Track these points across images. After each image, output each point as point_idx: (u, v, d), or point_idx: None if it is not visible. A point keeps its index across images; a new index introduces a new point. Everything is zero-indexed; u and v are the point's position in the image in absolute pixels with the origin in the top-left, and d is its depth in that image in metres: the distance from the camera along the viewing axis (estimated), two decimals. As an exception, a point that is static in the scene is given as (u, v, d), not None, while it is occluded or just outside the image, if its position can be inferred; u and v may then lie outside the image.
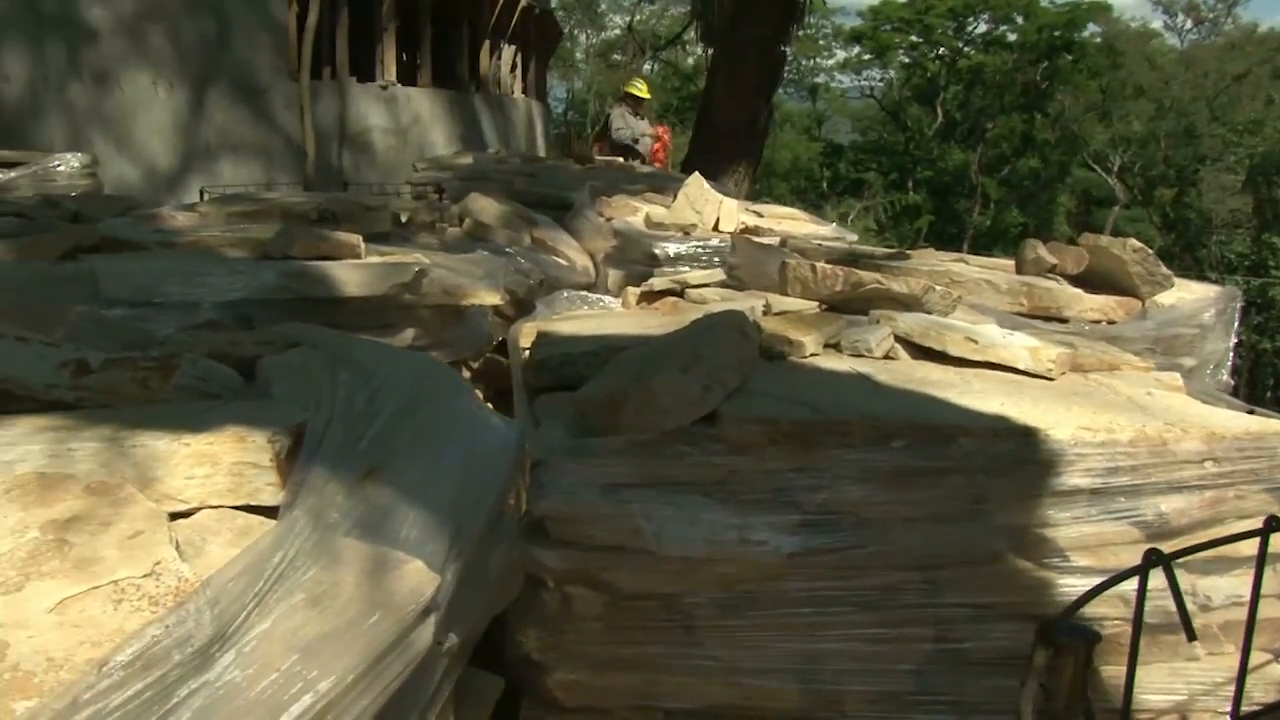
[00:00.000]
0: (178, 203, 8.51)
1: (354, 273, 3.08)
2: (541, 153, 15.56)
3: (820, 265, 2.78)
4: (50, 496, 0.98)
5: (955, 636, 1.94)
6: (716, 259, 4.69)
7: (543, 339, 2.39)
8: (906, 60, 37.74)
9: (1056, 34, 32.19)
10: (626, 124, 11.63)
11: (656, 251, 4.84)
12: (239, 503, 1.10)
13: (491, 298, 3.35)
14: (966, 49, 35.59)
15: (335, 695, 0.86)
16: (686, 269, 4.74)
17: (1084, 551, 1.90)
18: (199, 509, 1.08)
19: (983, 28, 35.67)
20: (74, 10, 10.78)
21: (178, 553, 0.96)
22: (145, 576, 0.88)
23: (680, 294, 3.10)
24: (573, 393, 2.04)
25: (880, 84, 40.10)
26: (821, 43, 38.04)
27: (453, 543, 1.12)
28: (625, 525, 1.74)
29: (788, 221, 5.91)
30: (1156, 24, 43.23)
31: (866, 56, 38.36)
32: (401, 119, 12.71)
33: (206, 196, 9.57)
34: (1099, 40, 33.58)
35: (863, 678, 1.92)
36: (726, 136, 12.36)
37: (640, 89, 11.97)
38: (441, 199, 7.65)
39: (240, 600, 0.87)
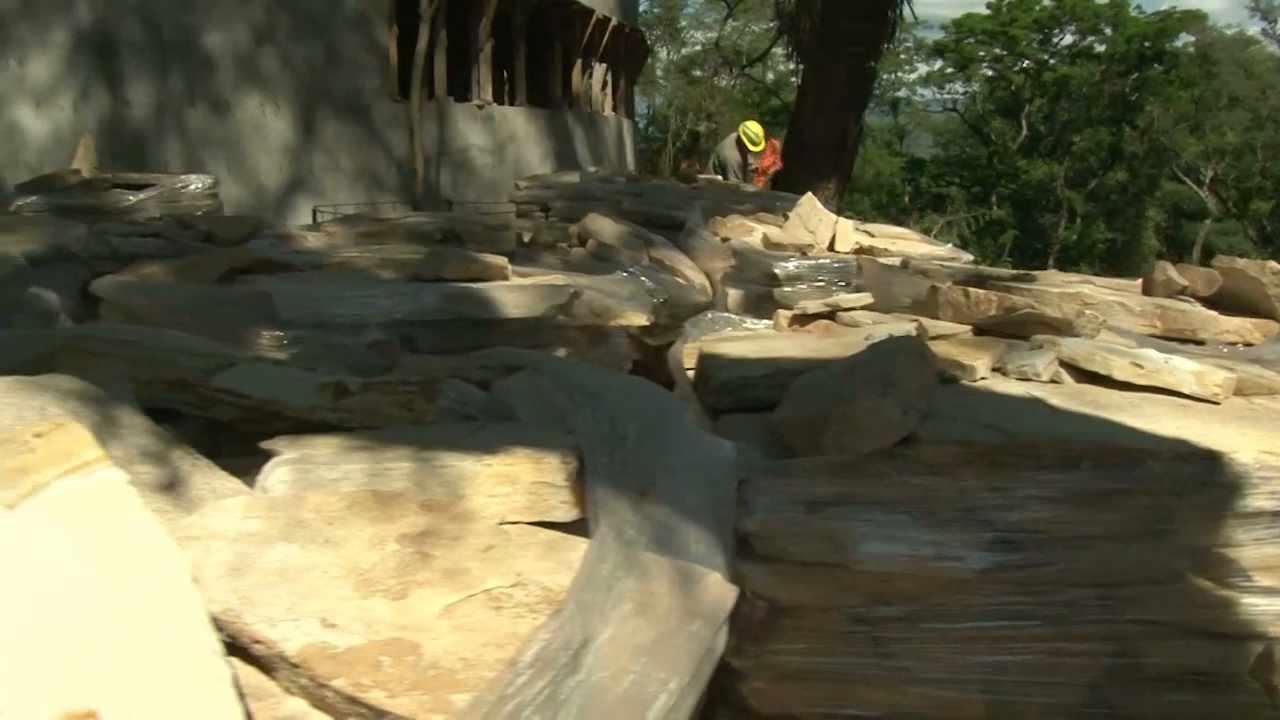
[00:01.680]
0: (287, 222, 8.79)
1: (513, 295, 3.21)
2: (631, 169, 15.73)
3: (973, 290, 2.85)
4: (391, 513, 1.10)
5: (1135, 652, 2.00)
6: (837, 279, 4.75)
7: (713, 361, 2.48)
8: (990, 73, 37.36)
9: (1147, 44, 31.67)
10: (734, 166, 11.63)
11: (776, 271, 4.91)
12: (535, 519, 1.21)
13: (639, 319, 3.47)
14: (1052, 61, 35.14)
15: (680, 694, 0.96)
16: (805, 288, 4.81)
17: (1267, 572, 1.94)
18: (500, 525, 1.18)
19: (1069, 39, 35.23)
20: (193, 38, 11.18)
21: (495, 563, 1.07)
22: (513, 586, 0.99)
23: (832, 317, 3.18)
24: (755, 414, 2.14)
25: (963, 97, 39.77)
26: (903, 57, 37.83)
27: (727, 555, 1.22)
28: (826, 541, 1.83)
29: (900, 241, 5.95)
30: (1254, 30, 42.21)
31: (949, 70, 38.08)
32: (498, 137, 12.95)
33: (320, 216, 9.85)
34: (1191, 49, 32.94)
35: (1044, 691, 1.98)
36: (817, 153, 12.37)
37: (753, 141, 11.96)
38: (547, 217, 7.81)
39: (590, 608, 0.97)
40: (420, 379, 1.58)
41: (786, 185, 10.75)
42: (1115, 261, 28.51)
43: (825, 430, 1.89)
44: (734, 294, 5.23)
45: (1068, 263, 27.71)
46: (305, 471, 1.18)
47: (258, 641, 0.88)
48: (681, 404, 1.65)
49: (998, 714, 1.99)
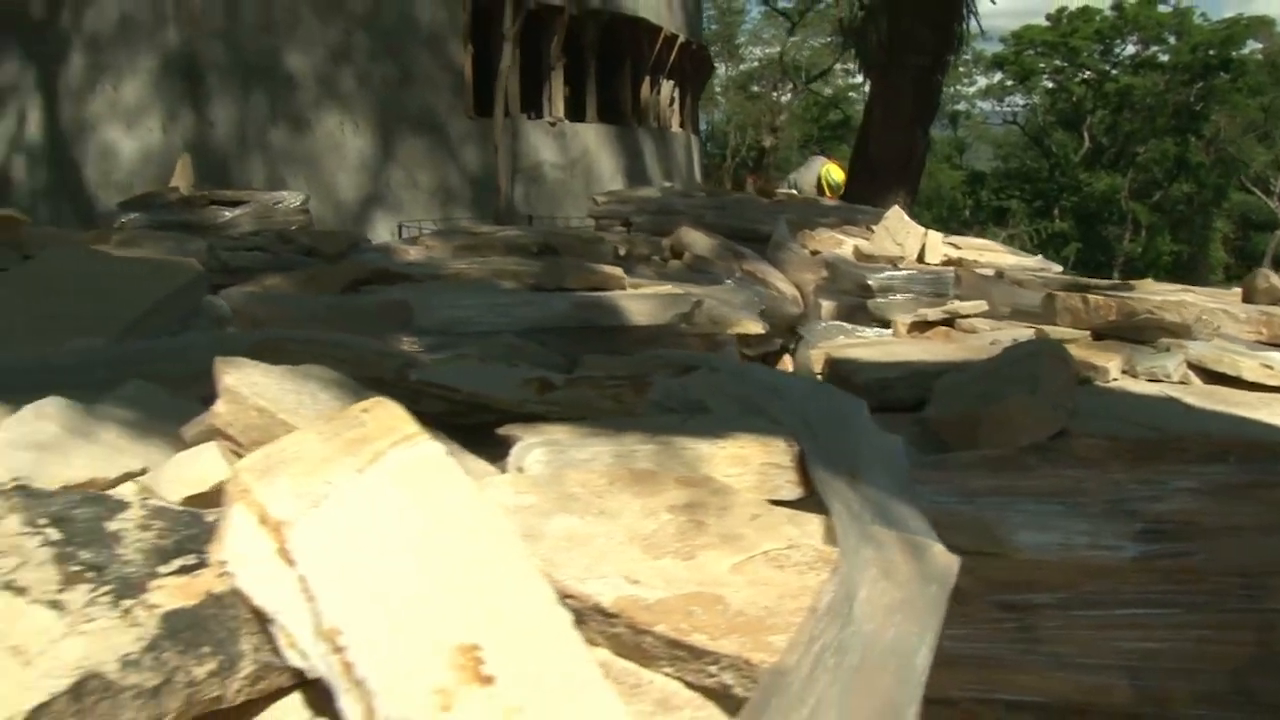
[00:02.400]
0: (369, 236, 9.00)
1: (638, 303, 3.35)
2: (699, 184, 15.87)
3: (1092, 296, 2.94)
4: (652, 488, 1.22)
5: (1276, 640, 2.07)
6: (930, 290, 4.83)
7: (848, 365, 2.59)
8: (1051, 85, 37.10)
9: (1212, 53, 31.29)
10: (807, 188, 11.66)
11: (870, 282, 4.99)
12: (763, 497, 1.32)
13: (755, 327, 3.58)
14: (1114, 71, 34.81)
15: (931, 649, 1.07)
16: (898, 299, 4.90)
17: None
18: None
19: (1131, 49, 34.88)
20: (276, 60, 11.48)
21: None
22: (788, 549, 1.11)
23: (950, 324, 3.28)
24: (895, 414, 2.25)
25: (1023, 109, 39.51)
26: (962, 70, 37.68)
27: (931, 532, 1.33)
28: (982, 530, 1.93)
29: (988, 253, 6.01)
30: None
31: (1009, 83, 37.88)
32: (570, 153, 13.15)
33: (406, 231, 10.07)
34: (1260, 56, 32.48)
35: (1188, 678, 2.05)
36: (884, 167, 12.37)
37: (833, 189, 11.99)
38: (629, 231, 7.93)
39: (851, 570, 1.09)
40: (629, 374, 1.71)
41: (855, 198, 10.80)
42: (1182, 274, 28.13)
43: (978, 426, 1.99)
44: (827, 305, 5.32)
45: (1133, 275, 27.36)
46: (559, 453, 1.30)
47: (570, 596, 1.00)
48: (859, 400, 1.76)
49: (1144, 700, 2.07)
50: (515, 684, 0.83)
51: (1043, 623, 2.06)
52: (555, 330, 3.27)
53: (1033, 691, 2.10)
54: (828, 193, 12.02)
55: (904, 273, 5.09)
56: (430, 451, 1.03)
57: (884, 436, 1.73)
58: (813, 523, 1.23)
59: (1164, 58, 33.60)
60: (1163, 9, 32.76)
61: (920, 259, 5.59)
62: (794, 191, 10.36)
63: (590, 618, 0.99)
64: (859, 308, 4.85)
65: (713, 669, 0.94)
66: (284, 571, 0.87)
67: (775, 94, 34.85)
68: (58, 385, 1.63)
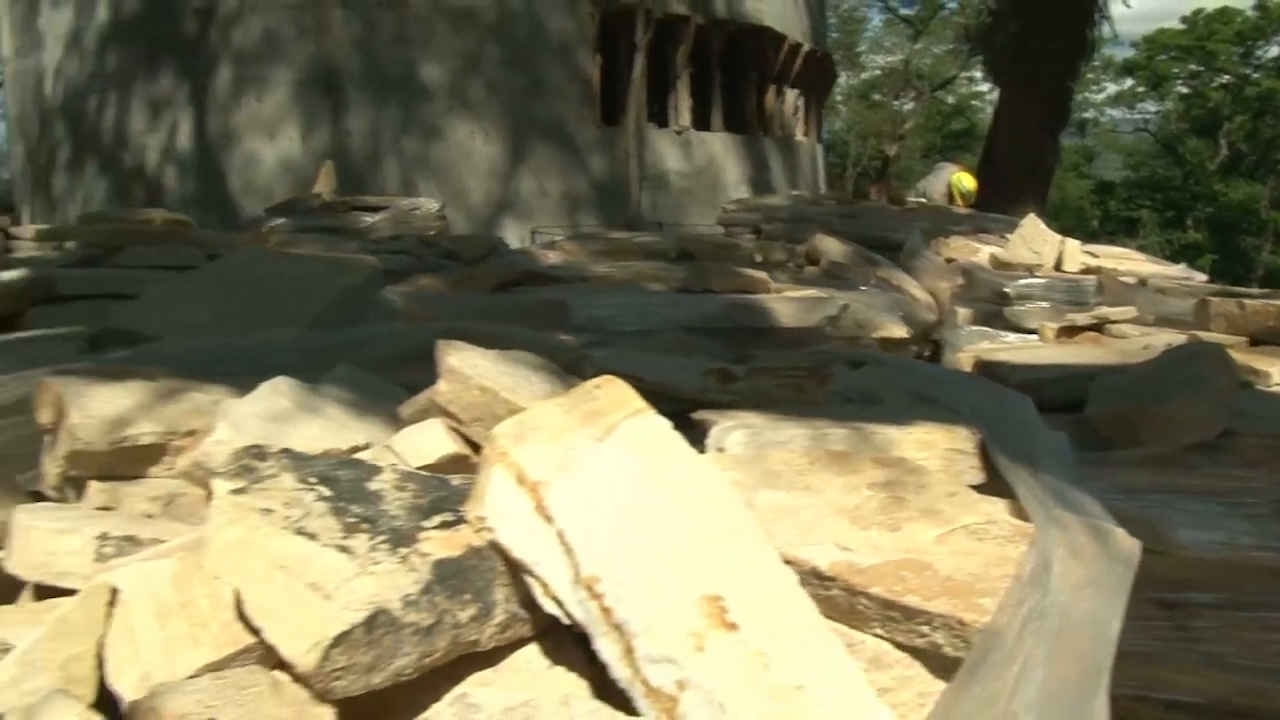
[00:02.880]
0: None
1: (787, 306, 3.42)
2: (823, 192, 15.83)
3: (1248, 301, 2.92)
4: (851, 467, 1.29)
5: None
6: (1068, 297, 4.78)
7: (1000, 367, 2.61)
8: (1185, 90, 35.94)
9: (1362, 55, 30.01)
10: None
11: (1008, 290, 4.96)
12: (949, 479, 1.39)
13: (899, 331, 3.63)
14: (1255, 75, 33.56)
15: (1121, 624, 1.13)
16: (1036, 306, 4.86)
17: None
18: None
19: (1275, 51, 33.58)
20: (411, 71, 11.81)
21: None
22: (987, 524, 1.17)
23: (1099, 329, 3.28)
24: (1050, 412, 2.28)
25: (1155, 116, 38.38)
26: (1090, 76, 36.78)
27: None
28: (1145, 526, 1.95)
29: (1127, 261, 5.92)
30: None
31: (1140, 89, 36.84)
32: (696, 162, 13.24)
33: (538, 238, 10.28)
34: None
35: (1355, 682, 2.04)
36: (1013, 176, 12.15)
37: (965, 197, 11.81)
38: (759, 238, 7.98)
39: (1045, 545, 1.15)
40: (810, 364, 1.78)
41: (983, 208, 10.66)
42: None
43: (1142, 425, 2.02)
44: (964, 312, 5.30)
45: (1274, 287, 26.41)
46: (756, 435, 1.38)
47: (788, 561, 1.08)
48: (1024, 396, 1.80)
49: (1309, 705, 2.07)
50: (756, 631, 0.91)
51: (1203, 622, 2.07)
52: (704, 330, 3.35)
53: (1191, 691, 2.11)
54: (959, 201, 11.87)
55: (1042, 280, 5.05)
56: (658, 424, 1.13)
57: (1050, 431, 1.78)
58: (1000, 504, 1.29)
59: (1313, 60, 32.33)
60: (1312, 7, 31.54)
61: (1057, 267, 5.54)
62: (923, 200, 10.29)
63: (806, 581, 1.07)
64: (995, 315, 4.83)
65: (924, 629, 1.01)
66: (542, 526, 0.97)
67: (897, 102, 34.49)
68: (269, 368, 1.77)
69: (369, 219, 8.11)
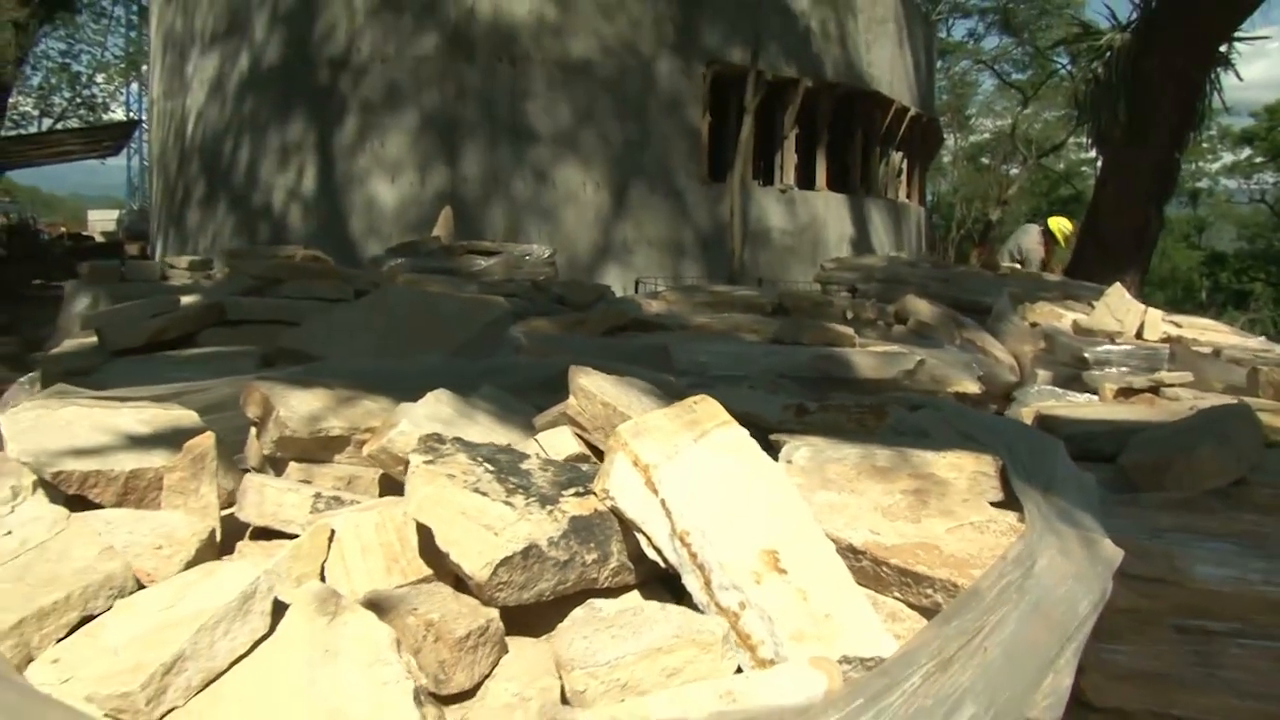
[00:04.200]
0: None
1: (868, 359, 3.75)
2: (925, 254, 16.04)
3: (1293, 371, 3.17)
4: (890, 477, 1.64)
5: None
6: (1145, 365, 5.02)
7: (1054, 420, 2.92)
8: (1306, 160, 35.32)
9: None
10: (1034, 258, 11.67)
11: (1087, 355, 5.21)
12: (973, 496, 1.72)
13: (972, 387, 3.92)
14: (1377, 149, 32.91)
15: (1094, 608, 1.45)
16: (1114, 371, 5.10)
17: None
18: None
19: (1396, 125, 32.91)
20: (522, 118, 12.37)
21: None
22: (989, 522, 1.51)
23: (1155, 391, 3.55)
24: (1096, 462, 2.57)
25: (1273, 187, 37.68)
26: (1205, 145, 36.30)
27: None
28: (1165, 560, 2.24)
29: (1210, 332, 6.10)
30: None
31: (1258, 159, 36.25)
32: (799, 220, 13.59)
33: (642, 287, 10.70)
34: None
35: (1358, 712, 2.30)
36: (1116, 244, 12.18)
37: (1059, 229, 12.03)
38: (854, 296, 8.28)
39: (1035, 541, 1.47)
40: (871, 403, 2.13)
41: (1084, 275, 10.77)
42: None
43: (1169, 471, 2.32)
44: (1044, 374, 5.56)
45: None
46: (818, 452, 1.73)
47: (833, 539, 1.42)
48: (1056, 439, 2.11)
49: (1311, 729, 2.32)
50: (800, 576, 1.26)
51: (1217, 648, 2.35)
52: (792, 377, 3.69)
53: (1204, 712, 2.38)
54: (1062, 242, 11.97)
55: (1121, 347, 5.29)
56: (740, 433, 1.49)
57: (1077, 469, 2.09)
58: (1009, 514, 1.62)
59: None
60: None
61: (1139, 335, 5.75)
62: (1016, 265, 10.48)
63: (844, 554, 1.42)
64: (1074, 378, 5.09)
65: (929, 591, 1.35)
66: (650, 497, 1.34)
67: (1004, 167, 34.46)
68: (424, 386, 2.18)
69: (483, 263, 8.56)
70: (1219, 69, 13.31)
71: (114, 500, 1.67)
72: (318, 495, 1.60)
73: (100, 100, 37.54)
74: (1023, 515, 1.62)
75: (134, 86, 36.95)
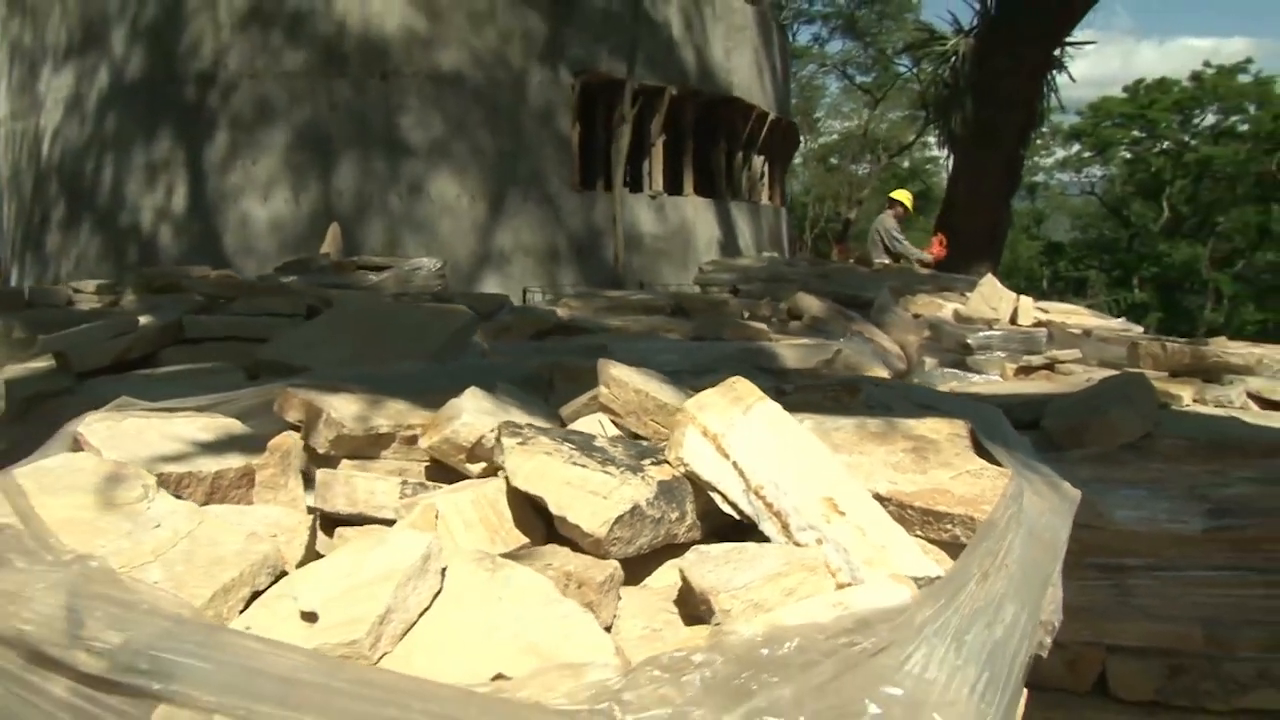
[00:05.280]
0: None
1: (792, 350, 4.08)
2: (787, 254, 16.62)
3: (1169, 344, 3.61)
4: (888, 439, 1.94)
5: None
6: (1023, 348, 5.47)
7: (985, 399, 3.28)
8: (1129, 156, 37.39)
9: (1295, 121, 31.45)
10: (902, 238, 12.33)
11: (970, 341, 5.65)
12: (962, 450, 2.03)
13: (882, 373, 4.29)
14: (1193, 142, 35.06)
15: (1065, 540, 1.77)
16: (995, 355, 5.55)
17: None
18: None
19: (1211, 119, 35.12)
20: (395, 132, 12.45)
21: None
22: (981, 469, 1.82)
23: (1051, 368, 3.96)
24: (1016, 429, 2.94)
25: (1101, 180, 39.83)
26: (1040, 142, 38.13)
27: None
28: (1090, 509, 2.60)
29: (1075, 316, 6.65)
30: None
31: (1087, 154, 38.28)
32: (669, 224, 13.97)
33: (530, 296, 10.90)
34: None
35: (1253, 629, 2.70)
36: (970, 240, 12.78)
37: (908, 200, 12.75)
38: (737, 296, 8.65)
39: (1019, 483, 1.79)
40: (844, 382, 2.43)
41: (941, 268, 11.37)
42: (1268, 344, 28.13)
43: (1086, 432, 2.69)
44: (930, 361, 5.99)
45: (1214, 344, 27.37)
46: (820, 423, 2.02)
47: (858, 490, 1.71)
48: (996, 408, 2.45)
49: (1214, 646, 2.72)
50: (856, 517, 1.54)
51: (1135, 581, 2.73)
52: (725, 370, 3.98)
53: (1128, 637, 2.76)
54: (907, 204, 12.56)
55: (999, 333, 5.75)
56: (774, 406, 1.76)
57: (1015, 432, 2.43)
58: (989, 465, 1.93)
59: (1244, 127, 33.77)
60: (1243, 79, 33.04)
61: (1013, 321, 6.23)
62: (887, 260, 11.03)
63: (871, 503, 1.71)
64: (958, 363, 5.53)
65: (949, 526, 1.65)
66: (721, 460, 1.60)
67: (854, 166, 35.65)
68: (432, 388, 2.39)
69: (374, 278, 8.65)
70: (1054, 70, 14.10)
71: (203, 499, 1.85)
72: (405, 482, 1.82)
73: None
74: (995, 466, 1.94)
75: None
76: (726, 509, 1.60)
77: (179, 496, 1.83)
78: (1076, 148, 38.11)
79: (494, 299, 7.34)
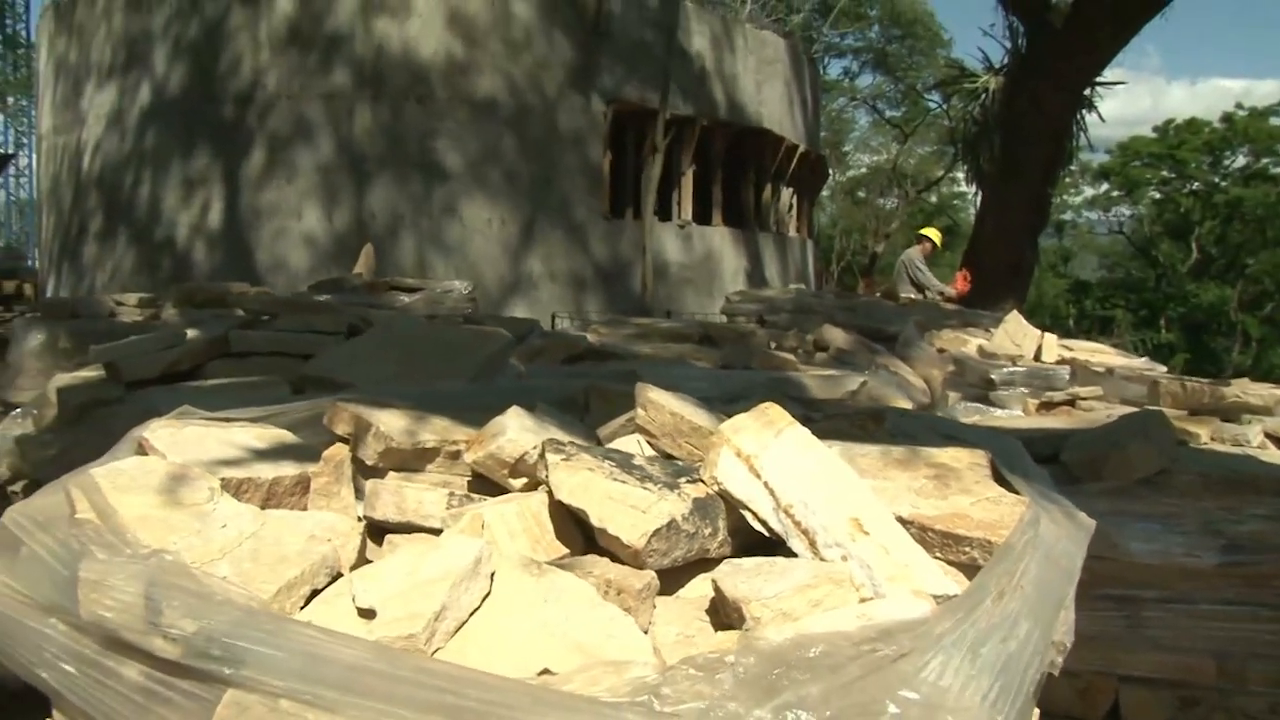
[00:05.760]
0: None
1: (816, 381, 4.17)
2: (812, 286, 16.71)
3: (1189, 383, 3.69)
4: (911, 465, 2.03)
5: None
6: (1046, 384, 5.54)
7: (1009, 433, 3.36)
8: (1157, 196, 37.33)
9: (1327, 165, 31.38)
10: (928, 272, 12.45)
11: (994, 376, 5.72)
12: (982, 479, 2.11)
13: (904, 404, 4.37)
14: (1223, 183, 35.01)
15: (1080, 564, 1.86)
16: (1018, 391, 5.61)
17: None
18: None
19: (1241, 161, 35.05)
20: (429, 155, 12.60)
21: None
22: (1000, 496, 1.90)
23: (1072, 404, 4.04)
24: (1036, 462, 3.02)
25: (1129, 220, 39.75)
26: (1068, 180, 38.10)
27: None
28: (1104, 540, 2.68)
29: (1098, 354, 6.71)
30: None
31: (1115, 193, 38.24)
32: (696, 254, 14.09)
33: (558, 321, 11.01)
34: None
35: (1263, 662, 2.77)
36: (995, 276, 12.82)
37: (937, 237, 12.85)
38: (763, 327, 8.73)
39: (1036, 510, 1.87)
40: (870, 411, 2.52)
41: (967, 304, 11.43)
42: (1292, 387, 27.96)
43: (1105, 465, 2.77)
44: (953, 395, 6.07)
45: (1240, 387, 27.22)
46: (848, 448, 2.12)
47: (882, 513, 1.80)
48: (1017, 440, 2.54)
49: (1226, 678, 2.78)
50: (880, 537, 1.64)
51: (1148, 613, 2.80)
52: (754, 398, 4.07)
53: (1141, 668, 2.83)
54: (936, 241, 12.66)
55: (1023, 369, 5.82)
56: (804, 431, 1.86)
57: (1037, 466, 2.51)
58: (1007, 493, 2.02)
59: (1276, 170, 33.70)
60: (1275, 121, 33.00)
61: (1037, 358, 6.30)
62: (914, 295, 11.10)
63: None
64: (981, 399, 5.60)
65: (967, 549, 1.73)
66: (753, 480, 1.70)
67: (881, 200, 35.74)
68: (473, 406, 2.50)
69: (405, 298, 8.77)
70: (1084, 109, 14.16)
71: (260, 503, 1.96)
72: (451, 494, 1.92)
73: (-40, 130, 36.41)
74: (1013, 494, 2.02)
75: (-1, 117, 35.97)
76: (757, 526, 1.69)
77: (238, 499, 1.93)
78: (1105, 186, 38.09)
79: (524, 323, 7.46)
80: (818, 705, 1.11)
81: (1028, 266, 14.10)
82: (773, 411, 1.87)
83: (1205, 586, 2.72)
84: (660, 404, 2.10)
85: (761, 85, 15.26)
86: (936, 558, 1.77)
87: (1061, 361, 6.18)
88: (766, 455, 1.72)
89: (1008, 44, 13.43)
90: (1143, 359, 6.57)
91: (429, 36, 12.61)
